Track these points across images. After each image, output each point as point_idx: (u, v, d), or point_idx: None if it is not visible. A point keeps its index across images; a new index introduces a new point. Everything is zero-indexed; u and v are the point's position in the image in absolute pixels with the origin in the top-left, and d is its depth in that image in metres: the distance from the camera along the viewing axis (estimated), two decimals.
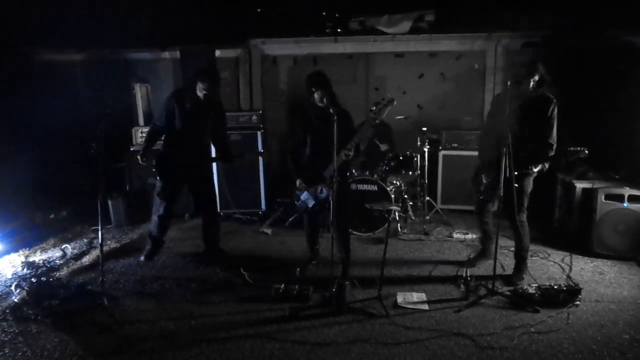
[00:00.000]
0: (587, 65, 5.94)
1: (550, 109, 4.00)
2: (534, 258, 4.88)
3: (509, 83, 3.88)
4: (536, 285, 3.99)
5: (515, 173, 3.83)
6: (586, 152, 3.93)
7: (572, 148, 3.95)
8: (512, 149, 3.72)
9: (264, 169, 6.60)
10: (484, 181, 4.29)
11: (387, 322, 3.61)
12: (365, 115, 6.38)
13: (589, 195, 4.95)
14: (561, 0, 6.11)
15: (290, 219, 6.23)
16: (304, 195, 4.31)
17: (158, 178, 4.81)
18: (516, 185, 3.88)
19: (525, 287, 4.01)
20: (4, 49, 6.22)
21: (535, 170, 4.09)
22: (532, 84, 3.99)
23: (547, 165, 4.13)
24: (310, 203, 4.31)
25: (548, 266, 4.72)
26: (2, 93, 6.14)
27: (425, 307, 3.86)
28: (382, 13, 7.17)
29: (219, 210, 5.24)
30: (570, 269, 4.60)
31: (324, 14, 7.52)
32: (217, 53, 7.10)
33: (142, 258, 4.95)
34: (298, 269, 4.57)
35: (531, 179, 4.18)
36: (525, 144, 3.97)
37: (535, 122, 4.00)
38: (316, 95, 4.03)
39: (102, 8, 7.00)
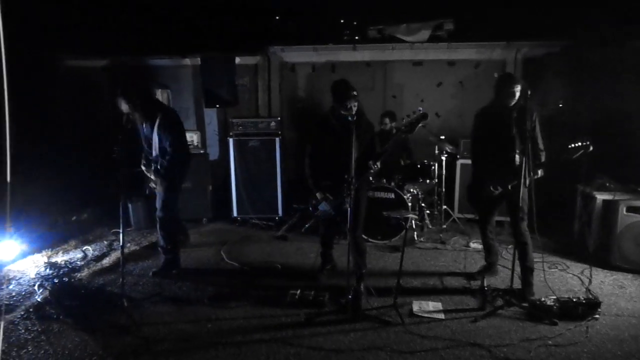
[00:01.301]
0: (607, 74, 5.88)
1: (534, 117, 4.07)
2: (552, 270, 4.83)
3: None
4: (554, 297, 3.94)
5: (515, 182, 3.91)
6: (589, 144, 3.80)
7: (572, 145, 3.85)
8: (506, 159, 3.77)
9: (281, 175, 6.65)
10: (494, 190, 4.24)
11: (403, 331, 3.61)
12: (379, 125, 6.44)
13: (610, 207, 4.88)
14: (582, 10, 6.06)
15: (306, 225, 6.26)
16: (323, 206, 4.27)
17: None
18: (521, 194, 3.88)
19: (543, 299, 3.96)
20: (32, 55, 6.38)
21: (538, 176, 4.09)
22: (516, 95, 4.00)
23: (542, 172, 4.13)
24: (332, 212, 4.28)
25: (567, 278, 4.67)
26: (29, 97, 6.29)
27: (441, 316, 3.85)
28: (401, 21, 7.20)
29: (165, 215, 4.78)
30: (590, 282, 4.53)
31: (342, 22, 7.59)
32: (237, 60, 7.21)
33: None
34: (315, 277, 4.60)
35: (526, 189, 4.20)
36: (514, 154, 4.06)
37: (522, 132, 4.02)
38: (343, 105, 4.00)
39: (125, 16, 7.15)
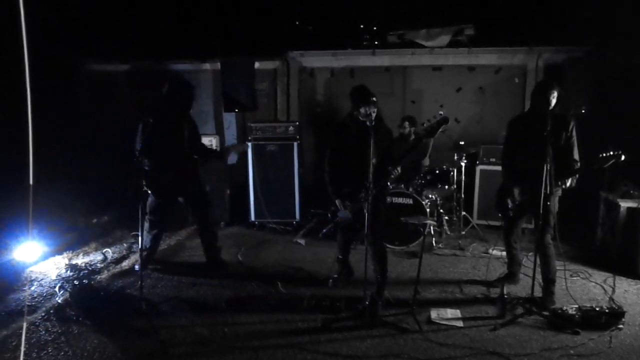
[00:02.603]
0: (631, 80, 5.77)
1: (571, 126, 3.99)
2: (574, 278, 4.73)
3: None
4: (576, 306, 3.85)
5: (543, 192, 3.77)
6: (621, 153, 3.65)
7: (604, 154, 3.71)
8: (536, 168, 3.68)
9: (299, 179, 6.66)
10: (517, 198, 4.16)
11: (420, 338, 3.57)
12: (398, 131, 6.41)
13: (635, 214, 4.79)
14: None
15: (324, 230, 6.25)
16: (343, 213, 4.22)
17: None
18: (548, 203, 3.79)
19: (565, 307, 3.87)
20: (55, 59, 6.52)
21: (567, 185, 3.99)
22: (552, 102, 3.90)
23: (574, 181, 4.02)
24: (352, 218, 4.23)
25: (589, 287, 4.56)
26: (51, 101, 6.43)
27: (460, 324, 3.80)
28: (421, 26, 7.18)
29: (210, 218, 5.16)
30: (613, 291, 4.43)
31: (362, 27, 7.59)
32: (256, 65, 7.26)
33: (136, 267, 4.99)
34: (330, 280, 4.57)
35: (557, 199, 4.10)
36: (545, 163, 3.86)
37: (557, 140, 3.92)
38: (362, 110, 3.97)
39: (146, 21, 7.26)
